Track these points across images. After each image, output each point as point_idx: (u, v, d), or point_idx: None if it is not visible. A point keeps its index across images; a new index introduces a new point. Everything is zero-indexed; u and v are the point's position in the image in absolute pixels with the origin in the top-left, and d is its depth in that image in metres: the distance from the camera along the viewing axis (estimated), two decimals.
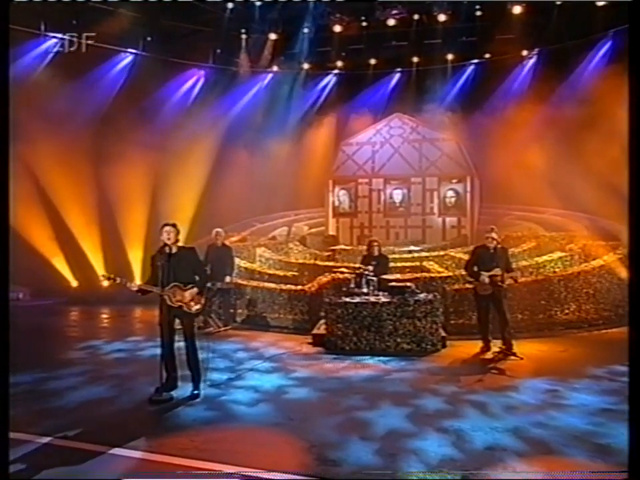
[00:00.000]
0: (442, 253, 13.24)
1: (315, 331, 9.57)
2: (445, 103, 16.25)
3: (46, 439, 5.13)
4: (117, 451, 4.87)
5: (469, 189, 15.87)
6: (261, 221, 17.46)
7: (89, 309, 13.26)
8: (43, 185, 12.75)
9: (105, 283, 13.57)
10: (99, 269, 14.00)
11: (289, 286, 11.20)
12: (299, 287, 11.04)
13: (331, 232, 16.84)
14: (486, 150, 15.44)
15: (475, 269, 8.57)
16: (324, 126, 17.78)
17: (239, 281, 11.46)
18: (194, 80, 17.17)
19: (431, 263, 12.23)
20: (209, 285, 10.02)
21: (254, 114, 17.54)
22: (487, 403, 6.03)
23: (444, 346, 8.85)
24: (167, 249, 6.34)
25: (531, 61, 15.85)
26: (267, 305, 11.21)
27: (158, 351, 8.68)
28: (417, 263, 12.17)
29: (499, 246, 8.65)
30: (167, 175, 14.28)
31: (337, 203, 17.04)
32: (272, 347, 9.16)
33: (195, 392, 6.43)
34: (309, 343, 9.28)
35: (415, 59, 16.88)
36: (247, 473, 4.37)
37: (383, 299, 8.92)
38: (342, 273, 10.66)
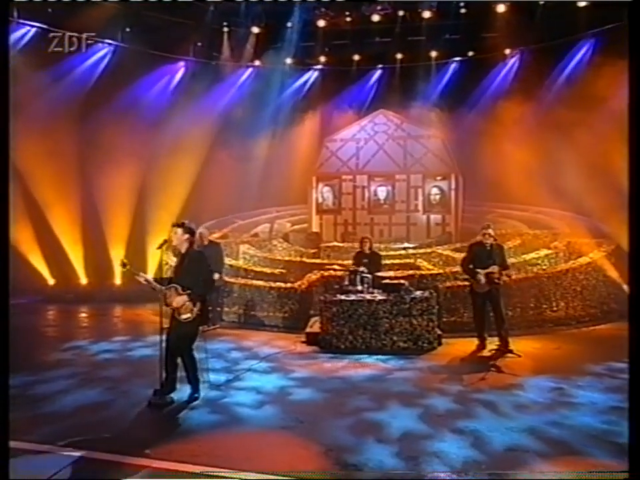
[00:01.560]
0: (429, 250, 13.21)
1: (308, 330, 9.37)
2: (430, 100, 16.15)
3: (45, 447, 4.84)
4: (123, 458, 4.61)
5: (453, 186, 15.84)
6: (241, 218, 17.12)
7: (67, 308, 12.77)
8: (22, 178, 12.16)
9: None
10: (79, 266, 13.54)
11: (278, 283, 10.98)
12: (289, 285, 10.83)
13: (315, 229, 16.63)
14: (469, 147, 15.45)
15: (471, 266, 8.51)
16: (306, 122, 17.47)
17: (227, 279, 11.19)
18: (174, 74, 16.70)
19: (420, 260, 12.19)
20: None
21: (235, 109, 17.18)
22: (496, 402, 5.95)
23: (439, 344, 8.77)
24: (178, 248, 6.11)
25: (514, 60, 15.89)
26: (255, 303, 10.97)
27: (147, 351, 8.54)
28: (407, 260, 12.12)
29: (495, 243, 8.60)
30: (149, 172, 13.84)
31: (320, 200, 16.83)
32: (265, 346, 8.94)
33: (195, 395, 6.18)
34: (303, 342, 9.09)
35: (399, 56, 16.74)
36: (267, 479, 4.17)
37: (379, 297, 8.78)
38: (335, 270, 10.49)
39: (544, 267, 11.48)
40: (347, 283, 9.44)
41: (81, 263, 13.56)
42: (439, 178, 16.02)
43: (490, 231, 8.51)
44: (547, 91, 15.16)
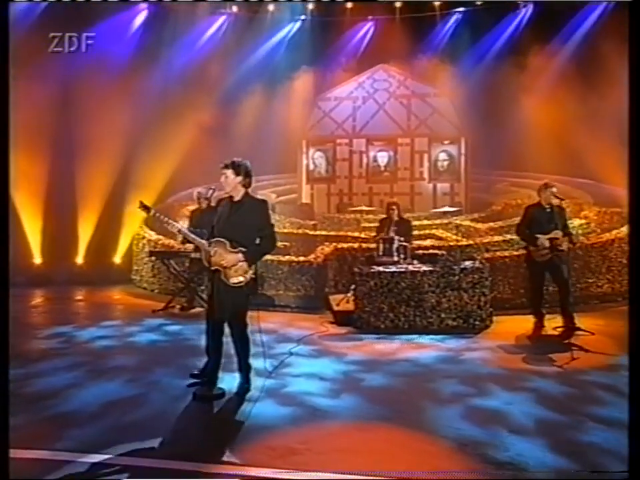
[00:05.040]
0: (445, 221, 12.72)
1: (336, 308, 8.66)
2: (433, 54, 15.51)
3: (86, 457, 3.93)
4: (200, 466, 3.78)
5: (463, 151, 15.33)
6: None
7: (20, 292, 11.33)
8: None
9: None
10: (34, 243, 12.27)
11: (288, 257, 10.22)
12: (302, 258, 10.08)
13: (305, 200, 15.82)
14: (476, 107, 14.93)
15: (528, 231, 7.98)
16: (291, 79, 16.43)
17: None
18: (134, 20, 15.34)
19: (441, 231, 11.67)
20: (193, 255, 8.88)
21: (207, 63, 15.97)
22: (616, 385, 5.34)
23: (491, 321, 8.23)
24: (228, 197, 5.26)
25: (526, 9, 15.39)
26: (262, 280, 10.13)
27: (153, 336, 7.66)
28: (425, 232, 11.59)
29: (557, 205, 8.07)
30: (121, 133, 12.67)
31: (311, 167, 16.01)
32: (289, 327, 8.19)
33: (245, 385, 5.35)
34: (331, 322, 8.40)
35: (398, 4, 15.99)
36: None
37: (424, 268, 8.14)
38: (357, 241, 9.82)
39: (579, 238, 11.12)
40: (380, 252, 8.78)
41: (38, 238, 12.26)
42: (446, 142, 15.48)
43: (554, 189, 7.97)
44: (563, 45, 14.80)
